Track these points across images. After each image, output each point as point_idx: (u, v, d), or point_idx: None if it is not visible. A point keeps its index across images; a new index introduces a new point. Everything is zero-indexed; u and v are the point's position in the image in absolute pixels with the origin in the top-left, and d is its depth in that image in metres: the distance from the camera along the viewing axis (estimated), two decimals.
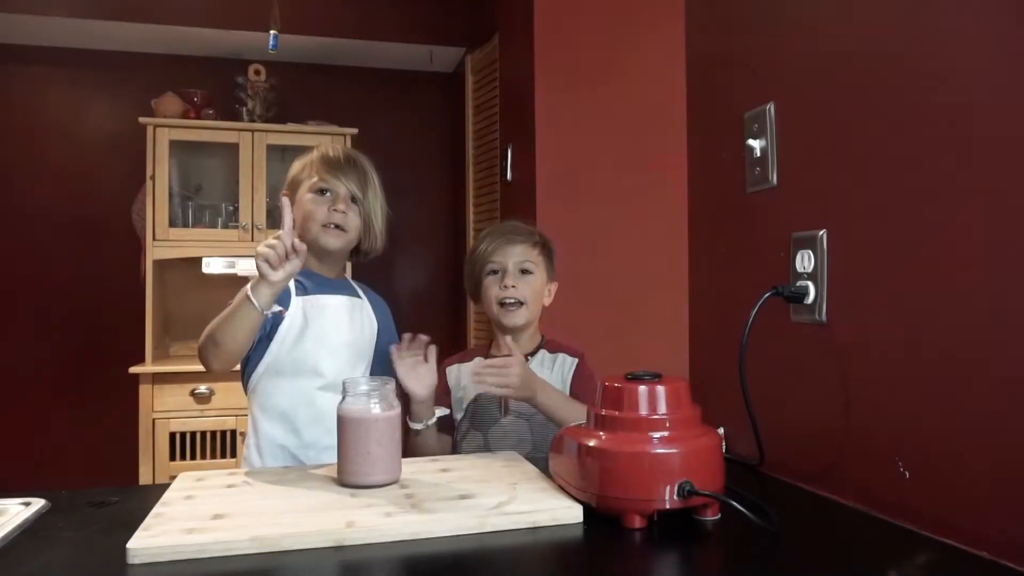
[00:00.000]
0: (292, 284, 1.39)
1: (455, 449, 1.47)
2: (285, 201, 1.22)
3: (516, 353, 1.33)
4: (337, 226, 1.39)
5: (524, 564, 0.79)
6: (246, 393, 1.42)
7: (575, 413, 1.25)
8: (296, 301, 1.38)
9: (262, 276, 1.14)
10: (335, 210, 1.38)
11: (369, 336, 1.46)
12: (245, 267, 3.09)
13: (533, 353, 1.50)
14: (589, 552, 0.81)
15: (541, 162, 2.56)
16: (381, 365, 1.44)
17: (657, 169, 2.57)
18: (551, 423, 1.34)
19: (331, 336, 1.39)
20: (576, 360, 1.49)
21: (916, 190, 0.86)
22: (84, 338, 3.35)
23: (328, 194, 1.40)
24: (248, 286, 1.17)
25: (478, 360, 1.50)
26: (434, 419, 1.38)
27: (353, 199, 1.41)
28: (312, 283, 1.41)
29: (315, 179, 1.40)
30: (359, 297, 1.48)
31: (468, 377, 1.50)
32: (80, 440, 3.32)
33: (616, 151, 2.62)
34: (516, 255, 1.47)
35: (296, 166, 1.47)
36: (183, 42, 3.31)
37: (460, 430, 1.48)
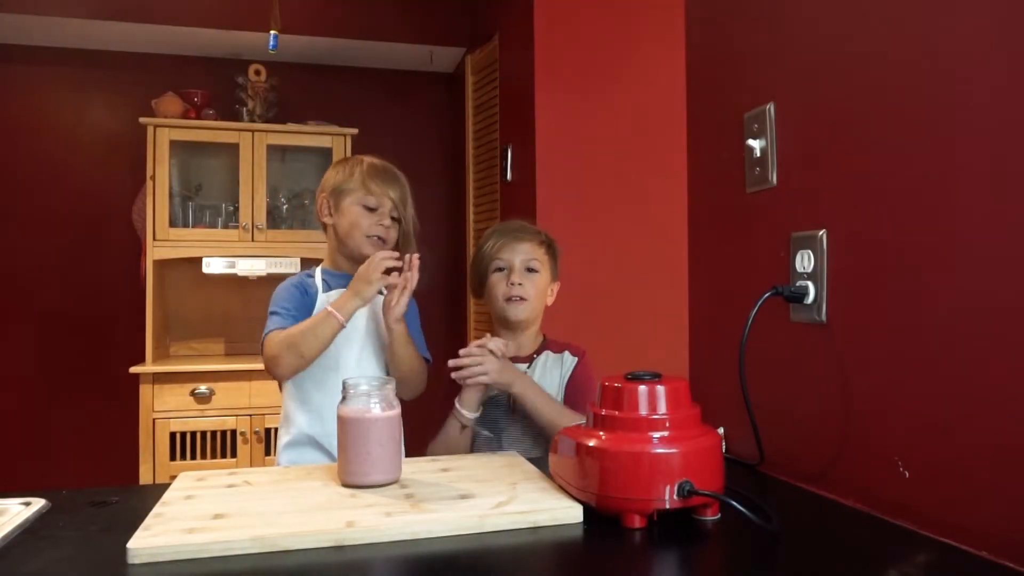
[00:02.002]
0: (319, 282, 1.51)
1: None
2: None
3: (490, 340, 1.37)
4: (380, 238, 1.50)
5: (524, 564, 0.79)
6: (280, 387, 1.52)
7: (551, 407, 1.35)
8: (322, 298, 1.48)
9: (359, 293, 1.38)
10: (381, 224, 1.49)
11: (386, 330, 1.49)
12: (245, 267, 3.10)
13: (537, 353, 1.51)
14: (589, 552, 0.81)
15: (541, 162, 2.56)
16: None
17: (657, 169, 2.57)
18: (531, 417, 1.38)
19: (350, 332, 1.45)
20: (576, 359, 1.50)
21: (916, 190, 0.86)
22: (84, 338, 3.35)
23: (375, 210, 1.50)
24: (329, 305, 1.38)
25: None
26: (478, 413, 1.40)
27: (395, 217, 1.52)
28: (340, 283, 1.49)
29: (362, 192, 1.50)
30: (381, 292, 1.50)
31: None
32: (80, 440, 3.32)
33: (616, 151, 2.62)
34: (523, 253, 1.48)
35: (339, 175, 1.54)
36: (183, 42, 3.32)
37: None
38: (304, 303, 1.47)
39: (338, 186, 1.52)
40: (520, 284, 1.46)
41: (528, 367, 1.49)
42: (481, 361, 1.34)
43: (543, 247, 1.52)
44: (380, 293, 1.47)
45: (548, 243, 1.54)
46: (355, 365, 1.47)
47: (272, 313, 1.46)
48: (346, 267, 1.52)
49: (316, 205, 1.57)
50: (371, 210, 1.49)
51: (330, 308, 1.37)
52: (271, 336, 1.41)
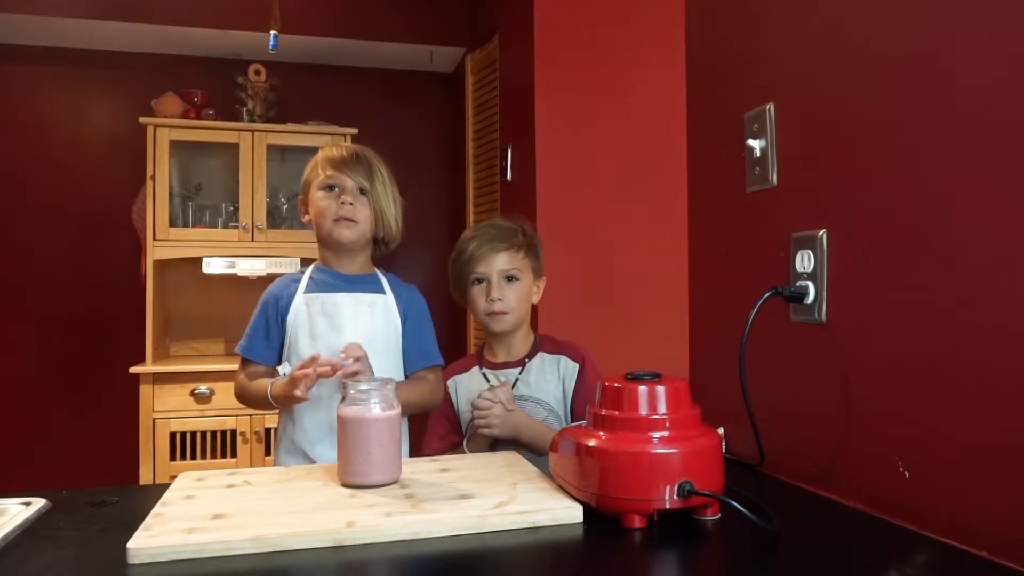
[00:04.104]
0: (305, 281, 1.46)
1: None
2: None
3: (501, 390, 1.40)
4: (347, 219, 1.43)
5: (524, 564, 0.79)
6: None
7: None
8: (300, 299, 1.43)
9: (291, 397, 1.30)
10: (343, 202, 1.42)
11: (386, 332, 1.46)
12: (245, 267, 3.10)
13: (530, 356, 1.49)
14: (589, 552, 0.81)
15: (541, 162, 2.56)
16: (413, 357, 1.48)
17: (657, 169, 2.57)
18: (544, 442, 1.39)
19: (331, 336, 1.41)
20: (577, 366, 1.48)
21: (916, 190, 0.86)
22: (84, 338, 3.35)
23: (335, 189, 1.44)
24: (270, 389, 1.36)
25: (475, 375, 1.52)
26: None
27: (362, 191, 1.45)
28: (326, 279, 1.46)
29: (322, 176, 1.45)
30: (381, 292, 1.48)
31: (465, 389, 1.51)
32: (80, 440, 3.32)
33: (616, 151, 2.62)
34: (500, 263, 1.46)
35: (307, 168, 1.51)
36: (183, 42, 3.31)
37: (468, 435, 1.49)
38: (272, 322, 1.45)
39: (305, 180, 1.50)
40: (499, 298, 1.45)
41: (520, 371, 1.48)
42: (486, 415, 1.37)
43: (521, 251, 1.49)
44: (393, 292, 1.48)
45: (527, 244, 1.51)
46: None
47: (247, 331, 1.47)
48: (333, 262, 1.47)
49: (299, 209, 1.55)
50: (331, 189, 1.44)
51: (270, 396, 1.37)
52: (237, 373, 1.48)
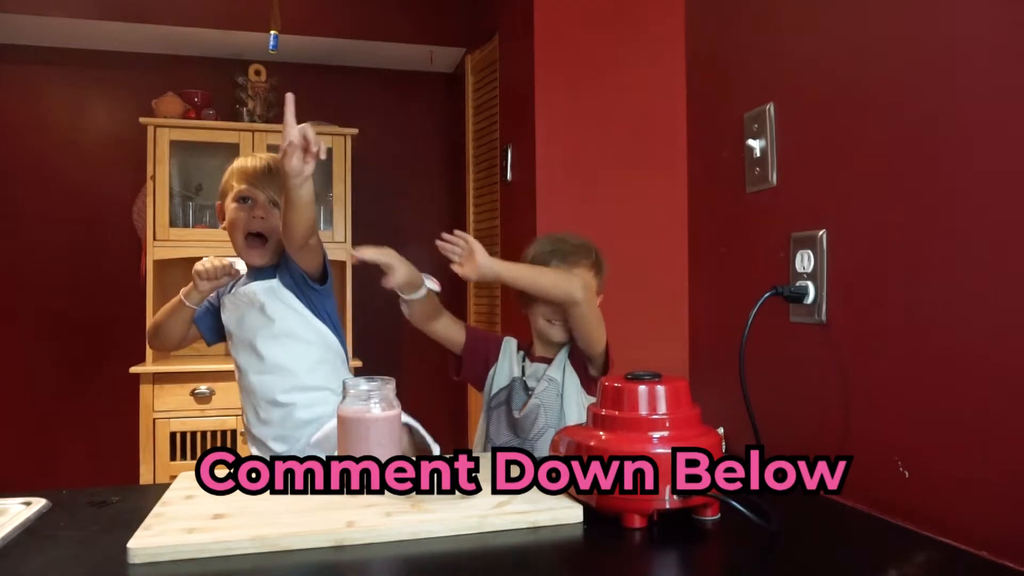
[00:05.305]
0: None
1: (486, 428, 1.48)
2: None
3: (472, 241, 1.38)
4: (259, 234, 1.48)
5: (524, 564, 0.79)
6: None
7: (535, 271, 1.33)
8: (225, 299, 1.58)
9: (195, 285, 1.49)
10: (254, 217, 1.48)
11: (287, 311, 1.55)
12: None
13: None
14: (589, 552, 0.81)
15: (541, 162, 2.56)
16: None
17: (657, 169, 2.57)
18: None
19: (241, 329, 1.55)
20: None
21: (916, 190, 0.86)
22: (84, 338, 3.35)
23: (249, 202, 1.49)
24: (182, 292, 1.54)
25: (519, 357, 1.51)
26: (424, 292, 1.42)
27: (275, 204, 1.49)
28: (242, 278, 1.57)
29: (236, 189, 1.50)
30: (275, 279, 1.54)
31: (510, 354, 1.50)
32: (80, 440, 3.32)
33: (616, 151, 2.62)
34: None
35: (224, 176, 1.56)
36: (183, 42, 3.31)
37: (490, 406, 1.47)
38: (209, 312, 1.62)
39: (221, 188, 1.53)
40: None
41: (547, 368, 1.48)
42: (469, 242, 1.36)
43: (593, 269, 1.47)
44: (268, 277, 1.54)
45: (597, 263, 1.49)
46: (244, 362, 1.56)
47: None
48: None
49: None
50: (244, 201, 1.48)
51: (181, 295, 1.55)
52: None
